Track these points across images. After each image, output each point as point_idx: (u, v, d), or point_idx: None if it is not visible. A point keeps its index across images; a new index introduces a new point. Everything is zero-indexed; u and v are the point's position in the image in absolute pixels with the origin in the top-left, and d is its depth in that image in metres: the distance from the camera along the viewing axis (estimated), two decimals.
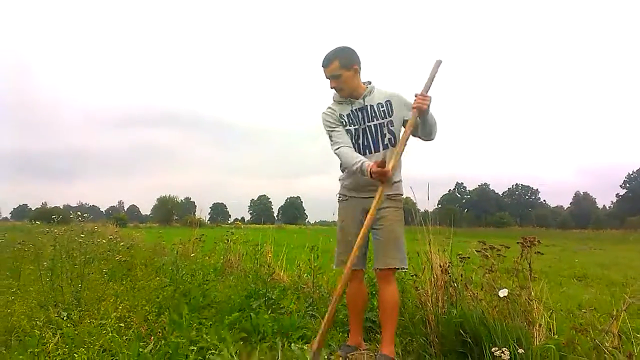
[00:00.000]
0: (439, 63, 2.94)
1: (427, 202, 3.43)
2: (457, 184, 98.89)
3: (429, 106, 2.84)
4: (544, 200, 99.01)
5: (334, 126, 3.05)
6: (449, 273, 3.21)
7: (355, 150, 2.99)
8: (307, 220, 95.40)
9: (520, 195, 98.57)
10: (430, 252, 3.30)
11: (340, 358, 2.90)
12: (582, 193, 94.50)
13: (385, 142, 2.99)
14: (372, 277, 3.63)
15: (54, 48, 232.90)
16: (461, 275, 3.22)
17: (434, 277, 3.23)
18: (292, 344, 3.01)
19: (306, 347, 2.94)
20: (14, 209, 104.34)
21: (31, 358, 2.50)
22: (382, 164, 2.71)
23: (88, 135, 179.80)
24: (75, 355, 2.46)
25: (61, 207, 52.89)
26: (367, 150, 3.00)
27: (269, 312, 3.78)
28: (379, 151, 2.98)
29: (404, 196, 3.11)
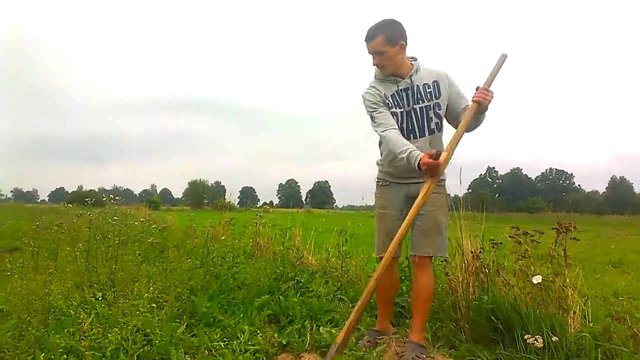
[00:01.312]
0: (504, 58, 2.75)
1: (458, 187, 3.33)
2: (489, 168, 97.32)
3: (489, 102, 2.63)
4: (579, 185, 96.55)
5: (376, 107, 2.77)
6: (480, 259, 3.15)
7: None
8: (334, 204, 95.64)
9: (554, 180, 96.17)
10: (462, 238, 3.24)
11: (368, 342, 2.89)
12: (618, 178, 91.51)
13: (432, 127, 2.77)
14: (400, 262, 3.59)
15: (89, 34, 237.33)
16: (493, 261, 3.16)
17: (464, 262, 3.18)
18: (321, 327, 3.03)
19: (334, 332, 2.95)
20: (51, 192, 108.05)
21: (67, 337, 2.57)
22: (436, 155, 2.47)
23: (124, 120, 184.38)
24: (109, 334, 2.50)
25: (96, 190, 54.40)
26: (411, 135, 2.77)
27: (298, 295, 3.81)
28: (424, 136, 2.77)
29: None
